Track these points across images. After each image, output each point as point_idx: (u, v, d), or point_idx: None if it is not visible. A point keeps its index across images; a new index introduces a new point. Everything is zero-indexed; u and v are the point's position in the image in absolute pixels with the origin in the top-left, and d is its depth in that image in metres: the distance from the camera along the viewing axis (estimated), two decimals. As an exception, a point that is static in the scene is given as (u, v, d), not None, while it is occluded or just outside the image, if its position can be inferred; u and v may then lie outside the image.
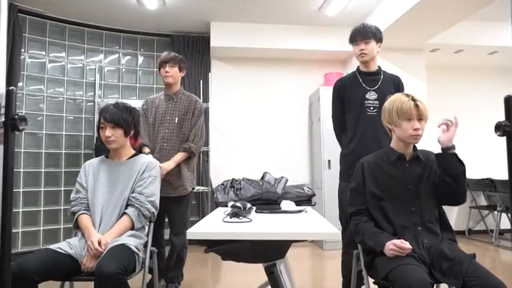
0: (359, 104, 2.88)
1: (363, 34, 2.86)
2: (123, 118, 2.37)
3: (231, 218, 2.07)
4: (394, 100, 2.15)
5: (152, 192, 2.39)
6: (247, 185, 2.64)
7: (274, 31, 5.64)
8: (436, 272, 1.87)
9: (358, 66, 3.02)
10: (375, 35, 2.89)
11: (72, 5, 4.96)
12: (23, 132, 1.10)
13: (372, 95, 2.88)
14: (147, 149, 3.18)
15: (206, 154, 5.70)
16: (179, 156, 3.18)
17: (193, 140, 3.24)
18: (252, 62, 6.05)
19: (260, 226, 1.89)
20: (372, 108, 2.84)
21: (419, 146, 2.21)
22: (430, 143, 2.51)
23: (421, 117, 2.08)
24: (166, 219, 3.32)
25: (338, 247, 3.14)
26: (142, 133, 3.20)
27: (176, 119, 3.25)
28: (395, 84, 2.95)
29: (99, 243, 2.09)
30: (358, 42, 2.87)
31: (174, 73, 3.29)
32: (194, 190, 3.46)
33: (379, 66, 2.99)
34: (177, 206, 3.21)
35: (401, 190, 2.10)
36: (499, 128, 1.17)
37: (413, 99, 2.08)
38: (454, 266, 1.81)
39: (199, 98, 5.62)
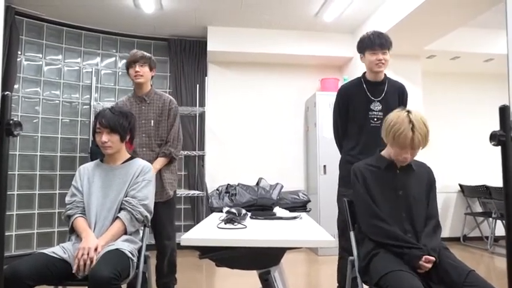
0: (363, 115, 2.85)
1: (382, 44, 2.80)
2: (119, 123, 2.36)
3: (225, 224, 2.07)
4: (395, 122, 2.06)
5: (145, 196, 2.37)
6: (242, 190, 2.63)
7: (271, 36, 5.65)
8: (431, 281, 1.87)
9: (365, 74, 2.96)
10: (391, 45, 2.85)
11: (70, 8, 4.96)
12: (18, 134, 1.10)
13: (376, 106, 2.85)
14: None
15: (202, 159, 5.70)
16: (160, 162, 3.08)
17: (172, 144, 3.14)
18: (248, 66, 6.06)
19: (255, 233, 1.88)
20: (375, 119, 2.82)
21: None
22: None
23: (414, 147, 2.05)
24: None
25: (332, 253, 3.14)
26: None
27: (152, 121, 3.13)
28: (399, 93, 2.93)
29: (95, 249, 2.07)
30: (376, 52, 2.80)
31: (144, 72, 3.10)
32: (177, 193, 3.39)
33: (384, 74, 2.95)
34: (163, 211, 3.10)
35: (391, 196, 2.10)
36: (494, 138, 1.17)
37: (413, 129, 1.99)
38: (453, 275, 1.81)
39: (196, 102, 5.69)
